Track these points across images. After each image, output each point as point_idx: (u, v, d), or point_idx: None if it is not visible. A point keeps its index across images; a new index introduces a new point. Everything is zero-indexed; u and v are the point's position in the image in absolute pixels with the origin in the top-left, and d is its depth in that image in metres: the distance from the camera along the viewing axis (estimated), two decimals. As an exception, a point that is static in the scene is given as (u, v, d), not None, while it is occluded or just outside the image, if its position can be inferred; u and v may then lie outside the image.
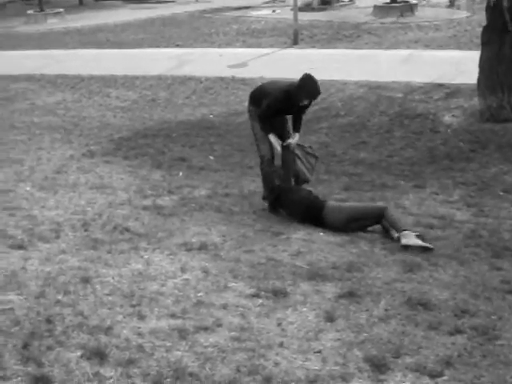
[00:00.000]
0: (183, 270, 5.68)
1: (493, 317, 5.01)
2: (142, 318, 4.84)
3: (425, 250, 6.15)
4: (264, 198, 7.48)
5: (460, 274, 5.81)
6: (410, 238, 6.22)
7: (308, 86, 7.10)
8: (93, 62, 17.37)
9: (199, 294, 5.25)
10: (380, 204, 6.60)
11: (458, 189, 8.09)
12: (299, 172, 7.38)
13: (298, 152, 7.38)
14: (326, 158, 9.36)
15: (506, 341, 4.69)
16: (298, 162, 7.39)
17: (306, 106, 7.36)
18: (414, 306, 5.13)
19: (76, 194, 7.76)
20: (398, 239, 6.30)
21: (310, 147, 7.67)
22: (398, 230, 6.37)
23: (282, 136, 7.40)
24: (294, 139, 7.34)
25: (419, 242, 6.20)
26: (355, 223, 6.73)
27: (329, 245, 6.40)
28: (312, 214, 6.93)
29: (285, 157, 7.31)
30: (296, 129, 7.46)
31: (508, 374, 4.32)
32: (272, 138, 7.29)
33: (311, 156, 7.53)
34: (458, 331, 4.79)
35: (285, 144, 7.29)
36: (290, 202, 7.12)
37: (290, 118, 7.57)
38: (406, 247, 6.16)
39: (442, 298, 5.27)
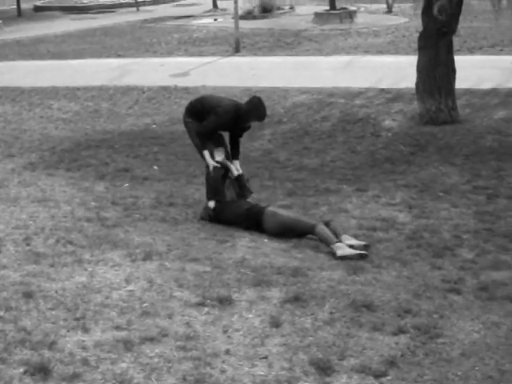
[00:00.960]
0: (128, 281, 5.65)
1: (434, 315, 5.13)
2: (86, 330, 4.80)
3: (361, 256, 6.25)
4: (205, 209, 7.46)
5: (402, 274, 5.93)
6: (343, 249, 6.30)
7: (258, 109, 7.23)
8: (33, 73, 17.11)
9: (144, 305, 5.22)
10: (311, 222, 6.67)
11: (400, 191, 8.23)
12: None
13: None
14: (270, 164, 9.42)
15: (447, 338, 4.80)
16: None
17: (248, 127, 7.44)
18: (358, 308, 5.20)
19: (17, 208, 7.62)
20: (333, 253, 6.35)
21: (248, 180, 7.64)
22: (330, 244, 6.42)
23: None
24: (236, 168, 7.41)
25: (353, 251, 6.29)
26: (285, 234, 6.79)
27: (274, 250, 6.45)
28: (253, 221, 6.98)
29: (215, 175, 7.32)
30: (235, 156, 7.52)
31: (450, 370, 4.42)
32: (207, 155, 7.31)
33: (246, 190, 7.50)
34: (401, 331, 4.88)
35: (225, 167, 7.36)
36: (229, 214, 7.15)
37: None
38: (343, 258, 6.24)
39: (386, 299, 5.37)
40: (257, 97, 7.35)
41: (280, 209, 7.13)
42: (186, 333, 4.79)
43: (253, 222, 6.99)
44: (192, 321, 4.98)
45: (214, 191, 7.33)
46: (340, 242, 6.40)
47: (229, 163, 7.46)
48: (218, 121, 7.24)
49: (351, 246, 6.38)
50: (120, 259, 6.13)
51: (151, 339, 4.68)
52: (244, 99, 13.17)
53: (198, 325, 4.93)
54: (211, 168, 7.29)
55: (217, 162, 7.33)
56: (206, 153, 7.32)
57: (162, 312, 5.10)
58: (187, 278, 5.71)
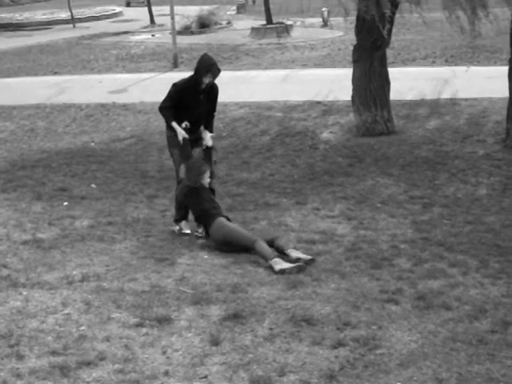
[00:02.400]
0: (64, 304, 5.55)
1: (373, 327, 5.17)
2: (20, 357, 4.68)
3: (300, 269, 6.28)
4: (176, 221, 7.42)
5: (341, 286, 5.97)
6: (281, 264, 6.34)
7: (205, 61, 7.22)
8: (-34, 93, 16.73)
9: (81, 328, 5.13)
10: (253, 238, 6.69)
11: (338, 203, 8.31)
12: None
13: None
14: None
15: (386, 349, 4.85)
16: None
17: (214, 98, 7.37)
18: (298, 323, 5.22)
19: (-51, 233, 7.42)
20: (271, 268, 6.36)
21: (215, 162, 7.75)
22: (268, 259, 6.44)
23: (197, 141, 7.41)
24: (207, 139, 7.36)
25: (291, 265, 6.32)
26: (227, 246, 6.81)
27: (213, 267, 6.42)
28: (203, 221, 7.06)
29: (183, 150, 7.32)
30: (208, 129, 7.47)
31: (389, 382, 4.47)
32: (174, 124, 7.24)
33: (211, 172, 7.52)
34: (341, 344, 4.91)
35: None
36: (191, 203, 7.16)
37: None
38: (282, 272, 6.26)
39: (325, 313, 5.39)
40: (205, 53, 7.47)
41: (229, 222, 7.09)
42: (124, 355, 4.72)
43: (203, 222, 7.07)
44: (130, 342, 4.91)
45: (183, 155, 7.33)
46: (278, 257, 6.43)
47: (203, 133, 7.42)
48: (172, 90, 7.27)
49: (298, 259, 6.40)
50: (56, 282, 6.02)
51: (88, 363, 4.60)
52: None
53: (136, 346, 4.86)
54: (180, 137, 7.22)
55: (184, 128, 7.24)
56: (174, 123, 7.24)
57: (99, 335, 5.02)
58: (126, 299, 5.64)
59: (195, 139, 7.38)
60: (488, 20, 9.45)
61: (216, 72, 7.23)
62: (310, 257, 6.51)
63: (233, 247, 6.79)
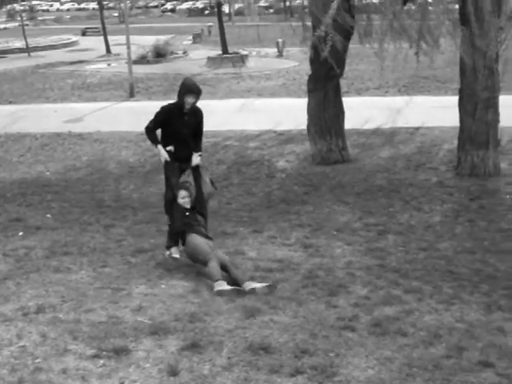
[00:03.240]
0: (19, 336, 5.46)
1: (331, 354, 5.21)
2: (-26, 392, 4.60)
3: (238, 292, 6.41)
4: (167, 247, 7.47)
5: (299, 314, 6.00)
6: (222, 286, 6.48)
7: (186, 82, 7.47)
8: None
9: (37, 361, 5.05)
10: (208, 256, 6.81)
11: (295, 231, 8.38)
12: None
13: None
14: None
15: (343, 376, 4.88)
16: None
17: (199, 121, 7.54)
18: (256, 351, 5.22)
19: None
20: (212, 288, 6.53)
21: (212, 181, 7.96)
22: (212, 280, 6.60)
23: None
24: (194, 159, 7.52)
25: (230, 287, 6.47)
26: (191, 259, 7.11)
27: (171, 297, 6.39)
28: (180, 231, 7.24)
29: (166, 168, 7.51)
30: (195, 149, 7.61)
31: (346, 408, 4.50)
32: (160, 148, 7.46)
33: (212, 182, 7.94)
34: (299, 372, 4.93)
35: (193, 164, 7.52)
36: (175, 210, 7.34)
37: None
38: (220, 293, 6.38)
39: (283, 341, 5.41)
40: (187, 76, 7.88)
41: (202, 239, 7.18)
42: (80, 387, 4.67)
43: (180, 231, 7.24)
44: (87, 374, 4.85)
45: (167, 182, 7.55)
46: (222, 280, 6.56)
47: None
48: (158, 112, 7.51)
49: (253, 289, 6.46)
50: (11, 314, 5.92)
51: (44, 396, 4.53)
52: (140, 144, 13.26)
53: (93, 378, 4.81)
54: (163, 160, 7.47)
55: (167, 151, 7.42)
56: (160, 146, 7.47)
57: (55, 367, 4.95)
58: (82, 330, 5.57)
59: (186, 159, 7.54)
60: (438, 51, 9.71)
61: (197, 91, 7.45)
62: (265, 284, 6.55)
63: (194, 261, 7.05)
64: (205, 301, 6.29)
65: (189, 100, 7.35)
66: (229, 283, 6.55)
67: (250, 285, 6.56)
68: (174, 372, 4.89)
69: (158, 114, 7.51)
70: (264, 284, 6.57)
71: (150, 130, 7.53)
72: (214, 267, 6.71)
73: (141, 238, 8.14)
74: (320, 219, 8.81)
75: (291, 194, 9.99)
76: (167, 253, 7.43)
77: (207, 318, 5.84)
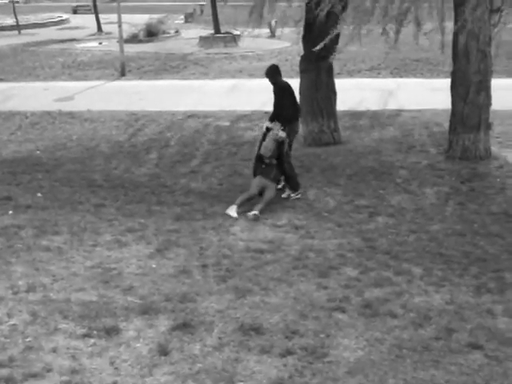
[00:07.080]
0: (10, 315, 5.46)
1: (321, 335, 5.24)
2: (-36, 370, 4.60)
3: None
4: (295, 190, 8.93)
5: (290, 295, 6.02)
6: (231, 211, 8.24)
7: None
8: None
9: (27, 339, 5.06)
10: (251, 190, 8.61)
11: (286, 212, 8.38)
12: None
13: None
14: (157, 189, 9.37)
15: (333, 357, 4.92)
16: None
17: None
18: (247, 332, 5.25)
19: None
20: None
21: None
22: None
23: None
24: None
25: (236, 215, 8.20)
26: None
27: (162, 276, 6.40)
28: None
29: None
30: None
31: (336, 389, 4.53)
32: None
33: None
34: (289, 352, 4.96)
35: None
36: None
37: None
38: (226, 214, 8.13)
39: (273, 321, 5.44)
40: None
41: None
42: (71, 366, 4.68)
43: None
44: (77, 353, 4.87)
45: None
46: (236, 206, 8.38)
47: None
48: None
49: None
50: (2, 292, 5.92)
51: (35, 375, 4.54)
52: (131, 123, 13.21)
53: (84, 357, 4.82)
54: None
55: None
56: None
57: (46, 346, 4.96)
58: (72, 309, 5.58)
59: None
60: (428, 34, 9.67)
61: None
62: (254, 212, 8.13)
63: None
64: (196, 281, 6.30)
65: None
66: None
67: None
68: (164, 351, 4.91)
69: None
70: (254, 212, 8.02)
71: None
72: (243, 195, 8.60)
73: (131, 218, 8.12)
74: (311, 201, 8.80)
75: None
76: (292, 195, 8.89)
77: (198, 298, 5.86)
